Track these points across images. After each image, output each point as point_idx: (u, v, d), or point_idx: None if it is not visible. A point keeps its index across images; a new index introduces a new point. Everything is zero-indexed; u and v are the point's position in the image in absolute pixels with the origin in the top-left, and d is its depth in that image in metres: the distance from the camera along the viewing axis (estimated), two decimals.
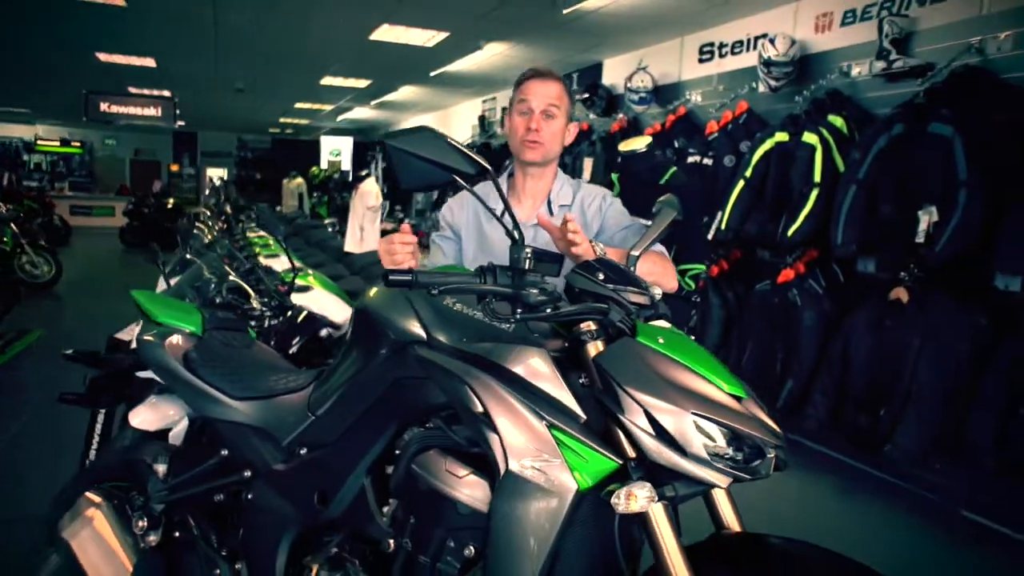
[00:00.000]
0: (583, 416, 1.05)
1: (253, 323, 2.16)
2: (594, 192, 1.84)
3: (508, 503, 1.02)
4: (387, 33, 5.73)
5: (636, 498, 0.99)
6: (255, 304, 2.28)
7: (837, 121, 3.71)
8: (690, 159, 4.61)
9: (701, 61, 5.24)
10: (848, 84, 3.91)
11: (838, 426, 3.46)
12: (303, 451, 1.32)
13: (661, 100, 5.55)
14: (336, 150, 14.17)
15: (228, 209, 6.63)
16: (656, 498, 0.99)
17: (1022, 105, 3.00)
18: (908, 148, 3.18)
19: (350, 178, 13.96)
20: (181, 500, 1.42)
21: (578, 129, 1.93)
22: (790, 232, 3.67)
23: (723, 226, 4.06)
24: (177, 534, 1.41)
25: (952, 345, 3.03)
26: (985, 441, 2.89)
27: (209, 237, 3.93)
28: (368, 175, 6.45)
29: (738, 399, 1.06)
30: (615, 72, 6.36)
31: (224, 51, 7.18)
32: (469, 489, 1.09)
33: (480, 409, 1.08)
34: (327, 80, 8.40)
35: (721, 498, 1.15)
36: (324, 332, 2.36)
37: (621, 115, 5.92)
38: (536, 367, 1.08)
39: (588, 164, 5.82)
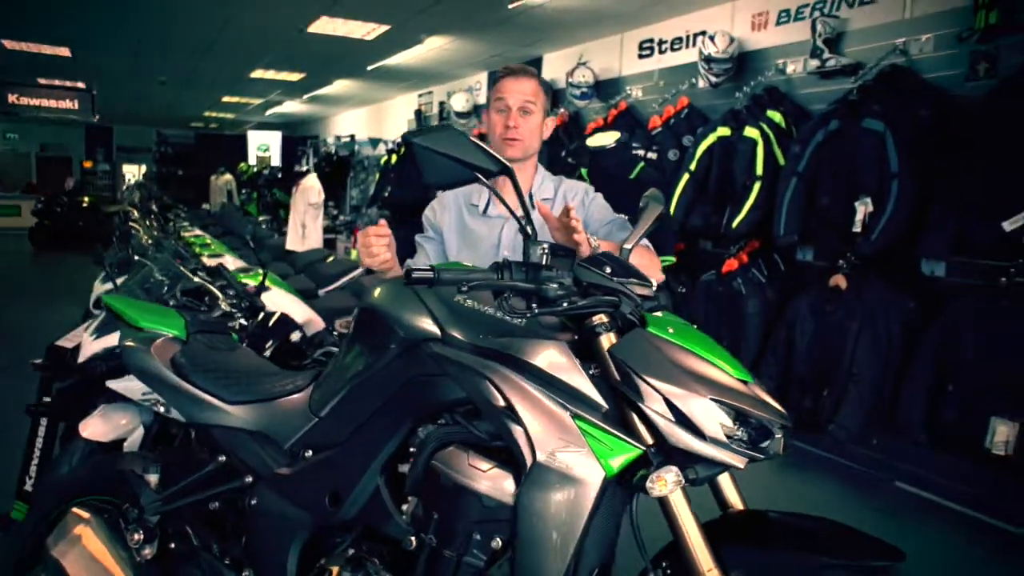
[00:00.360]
0: (604, 405, 1.09)
1: None
2: (576, 187, 1.87)
3: (537, 493, 1.05)
4: (325, 26, 5.61)
5: (666, 482, 1.03)
6: (224, 306, 2.21)
7: (776, 116, 3.88)
8: (634, 153, 4.72)
9: (641, 57, 5.37)
10: (784, 81, 4.09)
11: (784, 408, 3.64)
12: (308, 453, 1.30)
13: (602, 95, 5.65)
14: (264, 145, 13.73)
15: (154, 207, 6.35)
16: (683, 481, 1.04)
17: (943, 102, 3.23)
18: (844, 142, 3.37)
19: (279, 174, 13.60)
20: (177, 510, 1.37)
21: (555, 123, 1.96)
22: (735, 223, 3.82)
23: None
24: (173, 546, 1.37)
25: (886, 328, 3.23)
26: (916, 417, 3.10)
27: (146, 238, 3.77)
28: (309, 171, 6.30)
29: (744, 383, 1.11)
30: (555, 67, 6.43)
31: (148, 41, 6.86)
32: (494, 482, 1.11)
33: (502, 403, 1.10)
34: (258, 73, 8.14)
35: (725, 480, 1.20)
36: (296, 335, 2.31)
37: (562, 109, 5.99)
38: (556, 359, 1.11)
39: None
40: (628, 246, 1.38)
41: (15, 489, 2.80)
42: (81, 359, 2.56)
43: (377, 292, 1.32)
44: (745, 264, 3.98)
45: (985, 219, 2.87)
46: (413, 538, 1.16)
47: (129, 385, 2.47)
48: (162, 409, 2.52)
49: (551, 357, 1.11)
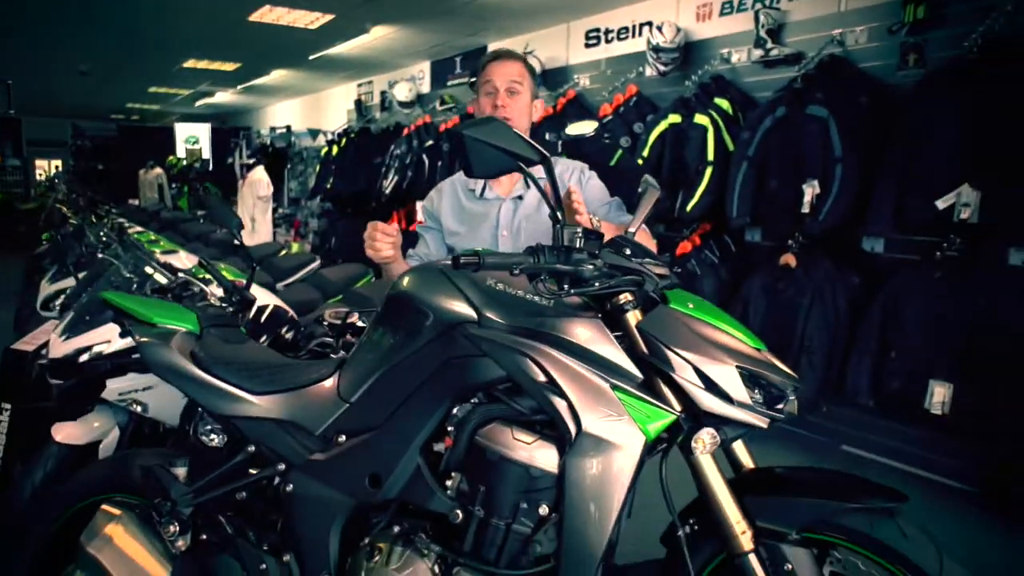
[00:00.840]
0: (639, 376, 1.18)
1: None
2: (572, 166, 1.94)
3: (584, 460, 1.13)
4: (268, 14, 5.48)
5: (705, 443, 1.13)
6: (213, 301, 2.18)
7: (723, 104, 4.06)
8: (606, 141, 4.83)
9: (588, 46, 5.48)
10: (729, 70, 4.27)
11: None
12: (341, 439, 1.34)
13: (549, 84, 5.74)
14: (193, 137, 13.24)
15: (81, 203, 6.07)
16: (719, 441, 1.14)
17: (879, 90, 3.46)
18: (790, 128, 3.56)
19: (211, 167, 13.15)
20: (208, 501, 1.39)
21: (544, 107, 2.02)
22: (689, 207, 3.99)
23: None
24: (204, 537, 1.38)
25: (833, 303, 3.46)
26: (863, 384, 3.34)
27: (98, 234, 3.62)
28: (257, 163, 6.15)
29: (759, 351, 1.22)
30: None
31: (70, 28, 6.51)
32: (539, 453, 1.18)
33: (543, 378, 1.17)
34: (191, 63, 7.85)
35: (737, 442, 1.31)
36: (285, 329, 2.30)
37: None
38: (593, 334, 1.19)
39: None
40: (632, 229, 1.47)
41: None
42: (52, 358, 2.48)
43: (408, 280, 1.36)
44: (698, 246, 4.16)
45: (921, 198, 3.10)
46: (459, 511, 1.22)
47: (107, 387, 2.42)
48: (139, 409, 2.48)
49: (588, 333, 1.19)
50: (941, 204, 3.03)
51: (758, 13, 4.00)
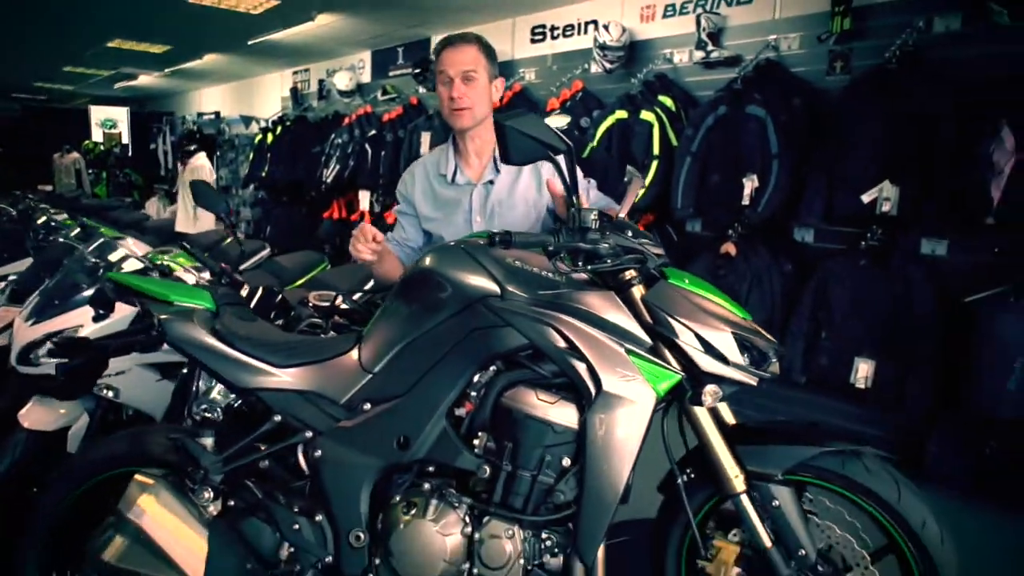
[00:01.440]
0: (649, 341, 1.33)
1: None
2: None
3: (603, 416, 1.28)
4: None
5: (713, 396, 1.30)
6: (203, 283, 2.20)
7: (667, 101, 4.30)
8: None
9: (534, 41, 5.63)
10: (671, 69, 4.52)
11: None
12: (367, 406, 1.43)
13: None
14: (110, 121, 12.60)
15: None
16: (720, 396, 1.31)
17: (811, 93, 3.77)
18: (731, 126, 3.82)
19: (130, 153, 12.55)
20: (237, 469, 1.45)
21: (504, 83, 2.07)
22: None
23: None
24: (232, 503, 1.45)
25: (770, 288, 3.76)
26: (797, 363, 3.65)
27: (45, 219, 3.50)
28: (197, 149, 5.98)
29: (745, 320, 1.40)
30: None
31: None
32: (561, 411, 1.32)
33: (564, 345, 1.31)
34: (117, 43, 7.50)
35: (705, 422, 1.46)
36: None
37: None
38: (607, 305, 1.34)
39: (426, 138, 5.96)
40: (622, 215, 1.63)
41: None
42: (20, 344, 2.45)
43: (431, 259, 1.47)
44: None
45: (848, 193, 3.42)
46: (487, 467, 1.35)
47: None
48: (111, 394, 2.48)
49: (602, 304, 1.34)
50: (866, 198, 3.35)
51: (699, 17, 4.25)
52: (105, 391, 2.51)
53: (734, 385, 1.34)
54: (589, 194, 1.96)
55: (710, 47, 4.21)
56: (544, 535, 1.36)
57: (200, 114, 10.69)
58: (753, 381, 1.33)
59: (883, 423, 3.46)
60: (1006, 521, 2.97)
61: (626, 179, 1.77)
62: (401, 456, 1.38)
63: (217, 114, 10.50)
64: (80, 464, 1.61)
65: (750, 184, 3.71)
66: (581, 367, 1.30)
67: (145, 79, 10.46)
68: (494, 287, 1.38)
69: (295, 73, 8.80)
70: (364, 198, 6.77)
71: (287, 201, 8.22)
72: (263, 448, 1.47)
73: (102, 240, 2.74)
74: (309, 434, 1.45)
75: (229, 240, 4.97)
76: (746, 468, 1.35)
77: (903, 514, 1.30)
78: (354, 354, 1.50)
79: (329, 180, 6.95)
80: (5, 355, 2.90)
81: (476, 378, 1.40)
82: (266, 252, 4.58)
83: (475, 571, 1.32)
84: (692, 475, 1.42)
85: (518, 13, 5.68)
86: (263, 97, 9.59)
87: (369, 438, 1.41)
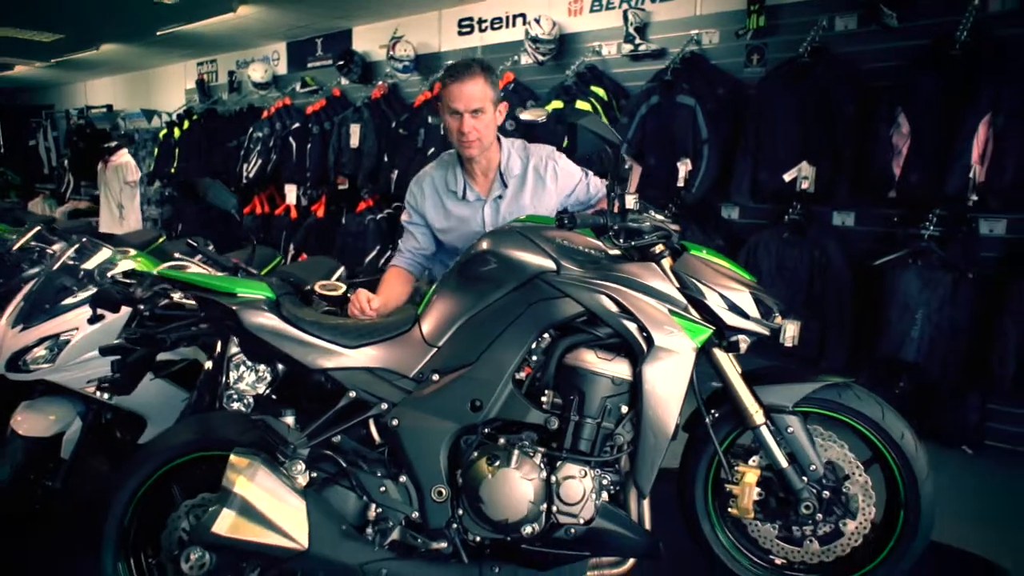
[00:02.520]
0: (685, 302, 1.58)
1: None
2: (543, 155, 2.20)
3: (656, 366, 1.52)
4: None
5: (744, 345, 1.57)
6: None
7: (599, 91, 4.59)
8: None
9: (461, 34, 5.77)
10: (600, 61, 4.82)
11: None
12: (435, 377, 1.60)
13: (423, 69, 5.97)
14: None
15: None
16: (749, 344, 1.59)
17: (732, 83, 4.17)
18: (663, 114, 4.16)
19: (3, 151, 11.58)
20: (319, 443, 1.58)
21: (508, 107, 2.26)
22: None
23: None
24: (315, 474, 1.57)
25: None
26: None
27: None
28: (120, 146, 5.70)
29: (755, 282, 1.69)
30: (366, 39, 6.56)
31: None
32: (618, 366, 1.55)
33: (616, 309, 1.54)
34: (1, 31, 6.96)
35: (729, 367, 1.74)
36: None
37: (381, 82, 6.19)
38: (649, 273, 1.58)
39: (356, 130, 5.98)
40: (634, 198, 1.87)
41: None
42: (6, 355, 2.41)
43: (489, 242, 1.65)
44: None
45: (771, 173, 3.84)
46: (555, 420, 1.56)
47: (71, 375, 2.43)
48: (106, 396, 2.51)
49: (645, 272, 1.58)
50: (787, 177, 3.78)
51: (626, 12, 4.56)
52: (99, 393, 2.51)
53: (753, 335, 1.62)
54: (591, 181, 2.20)
55: (637, 40, 4.54)
56: (603, 477, 1.59)
57: (89, 107, 10.04)
58: (767, 332, 1.62)
59: None
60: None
61: (627, 166, 2.01)
62: (475, 417, 1.57)
63: (109, 107, 9.90)
64: (151, 452, 1.68)
65: (684, 167, 4.07)
66: (633, 327, 1.53)
67: (23, 70, 9.68)
68: (551, 264, 1.58)
69: (200, 64, 8.47)
70: (291, 192, 6.70)
71: (200, 198, 7.93)
72: (345, 422, 1.60)
73: (79, 245, 2.70)
74: (384, 406, 1.60)
75: (162, 239, 4.86)
76: (763, 403, 1.64)
77: (887, 429, 1.63)
78: (415, 332, 1.66)
79: (251, 175, 6.81)
80: None
81: (534, 345, 1.60)
82: (210, 250, 4.53)
83: (554, 509, 1.53)
84: (716, 415, 1.69)
85: (444, 6, 5.80)
86: (163, 89, 9.15)
87: (443, 404, 1.58)
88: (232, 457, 1.50)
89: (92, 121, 9.61)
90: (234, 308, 1.61)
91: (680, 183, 4.09)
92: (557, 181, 2.18)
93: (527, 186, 2.17)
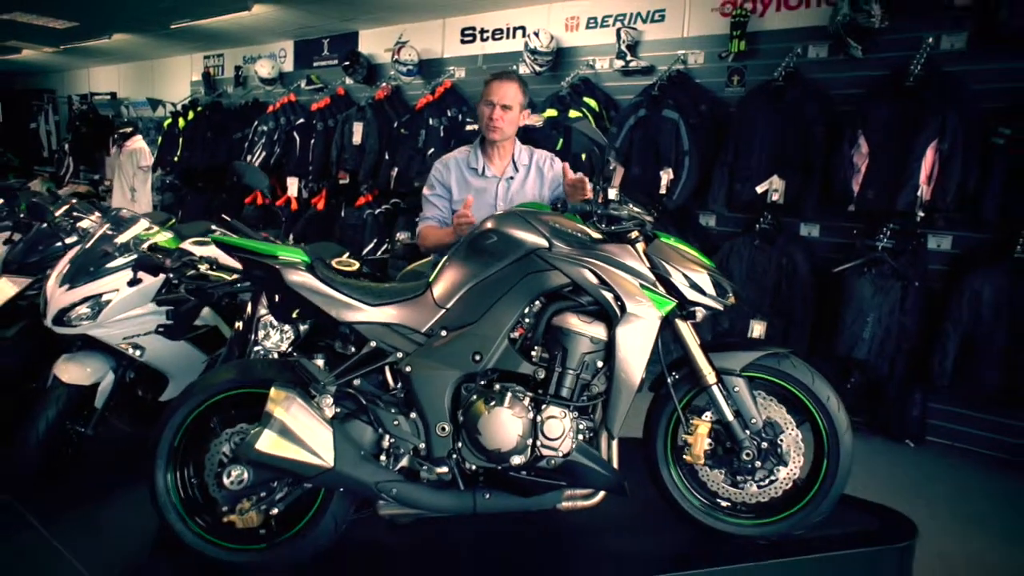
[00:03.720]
0: (653, 278, 1.91)
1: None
2: (544, 156, 2.70)
3: (629, 329, 1.84)
4: None
5: (700, 314, 1.90)
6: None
7: (591, 102, 4.94)
8: (468, 127, 5.49)
9: (464, 42, 6.10)
10: (593, 75, 5.17)
11: None
12: (443, 332, 1.91)
13: (426, 73, 6.29)
14: None
15: None
16: (704, 315, 1.92)
17: (714, 101, 4.53)
18: (649, 126, 4.51)
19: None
20: (343, 383, 1.88)
21: (530, 113, 2.72)
22: None
23: None
24: (338, 410, 1.87)
25: None
26: (705, 326, 4.38)
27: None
28: (135, 132, 5.95)
29: (713, 266, 2.02)
30: (371, 43, 6.86)
31: None
32: (596, 329, 1.87)
33: (596, 281, 1.86)
34: (14, 16, 7.17)
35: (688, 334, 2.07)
36: None
37: (385, 84, 6.51)
38: (625, 254, 1.90)
39: (359, 128, 6.28)
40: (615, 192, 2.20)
41: None
42: (54, 311, 2.69)
43: (495, 222, 1.97)
44: None
45: (745, 184, 4.19)
46: (542, 371, 1.88)
47: (109, 332, 2.72)
48: (137, 353, 2.80)
49: (622, 252, 1.91)
50: (759, 189, 4.14)
51: (619, 31, 4.92)
52: (131, 350, 2.79)
53: (709, 310, 1.95)
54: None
55: (629, 57, 4.89)
56: (579, 421, 1.90)
57: (92, 94, 10.25)
58: (721, 307, 1.95)
59: None
60: (863, 439, 3.87)
61: (611, 167, 2.35)
62: (475, 367, 1.88)
63: (113, 95, 10.12)
64: (200, 387, 1.97)
65: (666, 176, 4.42)
66: (609, 296, 1.85)
67: (30, 55, 9.88)
68: (544, 242, 1.91)
69: (207, 58, 8.73)
70: (292, 184, 6.97)
71: (202, 186, 8.19)
72: (367, 366, 1.91)
73: (116, 215, 2.99)
74: (399, 355, 1.90)
75: (172, 221, 5.13)
76: (715, 367, 1.96)
77: (815, 392, 1.96)
78: (427, 295, 1.97)
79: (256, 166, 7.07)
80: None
81: (527, 309, 1.92)
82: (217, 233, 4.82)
83: (538, 443, 1.84)
84: (676, 376, 2.01)
85: (448, 15, 6.13)
86: (169, 80, 9.39)
87: (450, 355, 1.89)
88: (272, 390, 1.79)
89: (95, 107, 9.82)
90: (277, 267, 1.91)
91: (662, 191, 4.44)
92: (553, 171, 2.68)
93: (531, 175, 2.68)
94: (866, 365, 3.79)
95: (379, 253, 5.54)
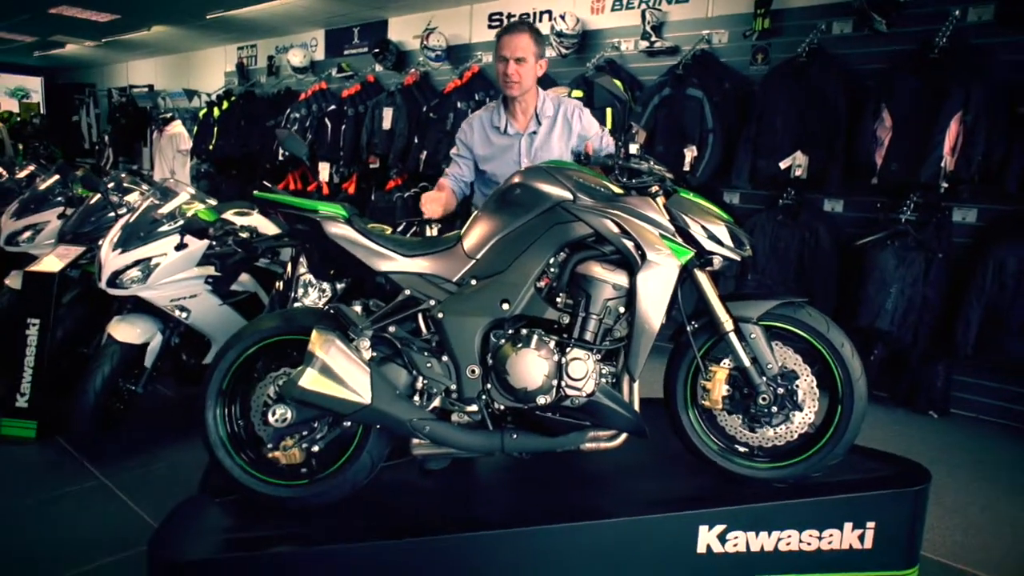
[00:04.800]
0: (672, 228, 2.00)
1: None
2: (572, 105, 2.68)
3: (649, 275, 1.93)
4: None
5: (717, 262, 1.99)
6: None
7: (617, 83, 5.00)
8: None
9: (491, 27, 6.21)
10: (619, 56, 5.25)
11: None
12: (473, 282, 2.02)
13: (454, 59, 6.42)
14: (21, 90, 12.12)
15: None
16: (721, 263, 2.00)
17: (738, 79, 4.58)
18: (674, 104, 4.58)
19: (38, 122, 12.13)
20: (379, 328, 2.00)
21: (547, 63, 2.70)
22: None
23: None
24: (375, 353, 1.99)
25: None
26: None
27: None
28: (174, 117, 6.18)
29: (730, 220, 2.10)
30: (400, 29, 7.00)
31: None
32: (618, 276, 1.96)
33: (618, 231, 1.96)
34: (59, 10, 7.46)
35: (706, 283, 2.15)
36: None
37: (413, 69, 6.64)
38: (646, 205, 1.99)
39: (388, 113, 6.43)
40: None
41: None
42: (107, 273, 2.86)
43: (522, 176, 2.07)
44: None
45: (768, 160, 4.24)
46: (566, 316, 1.98)
47: (158, 293, 2.88)
48: (184, 316, 2.96)
49: (643, 204, 2.00)
50: (783, 165, 4.19)
51: (644, 12, 4.99)
52: (178, 312, 2.96)
53: (726, 260, 2.04)
54: (604, 136, 2.63)
55: (653, 38, 4.96)
56: (602, 366, 2.00)
57: (131, 86, 10.56)
58: (738, 257, 2.03)
59: None
60: (886, 410, 3.91)
61: (633, 131, 2.43)
62: (504, 313, 1.98)
63: (150, 87, 10.42)
64: (247, 333, 2.11)
65: (690, 153, 4.49)
66: (631, 245, 1.95)
67: (72, 49, 10.22)
68: (569, 195, 2.00)
69: (240, 48, 8.96)
70: (324, 170, 7.14)
71: (236, 174, 8.42)
72: (402, 312, 2.03)
73: (163, 186, 3.16)
74: (432, 302, 2.02)
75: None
76: (733, 315, 2.05)
77: (830, 340, 2.03)
78: (458, 247, 2.08)
79: (286, 152, 7.26)
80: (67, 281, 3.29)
81: (552, 259, 2.02)
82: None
83: (563, 384, 1.94)
84: (695, 325, 2.10)
85: (476, 1, 6.24)
86: (204, 71, 9.65)
87: (480, 302, 2.00)
88: (314, 333, 1.92)
89: (134, 99, 10.12)
90: (318, 219, 2.04)
91: (686, 168, 4.50)
92: (581, 126, 2.65)
93: (557, 127, 2.64)
94: (889, 336, 3.83)
95: (408, 235, 5.68)
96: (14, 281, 3.54)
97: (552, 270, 2.03)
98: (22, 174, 4.80)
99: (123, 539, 2.34)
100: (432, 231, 2.58)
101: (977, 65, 3.56)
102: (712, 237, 2.01)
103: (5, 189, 4.47)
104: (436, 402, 2.01)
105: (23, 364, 3.05)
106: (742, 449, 2.14)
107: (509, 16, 6.07)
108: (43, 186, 4.11)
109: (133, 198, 3.55)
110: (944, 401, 3.90)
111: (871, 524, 2.02)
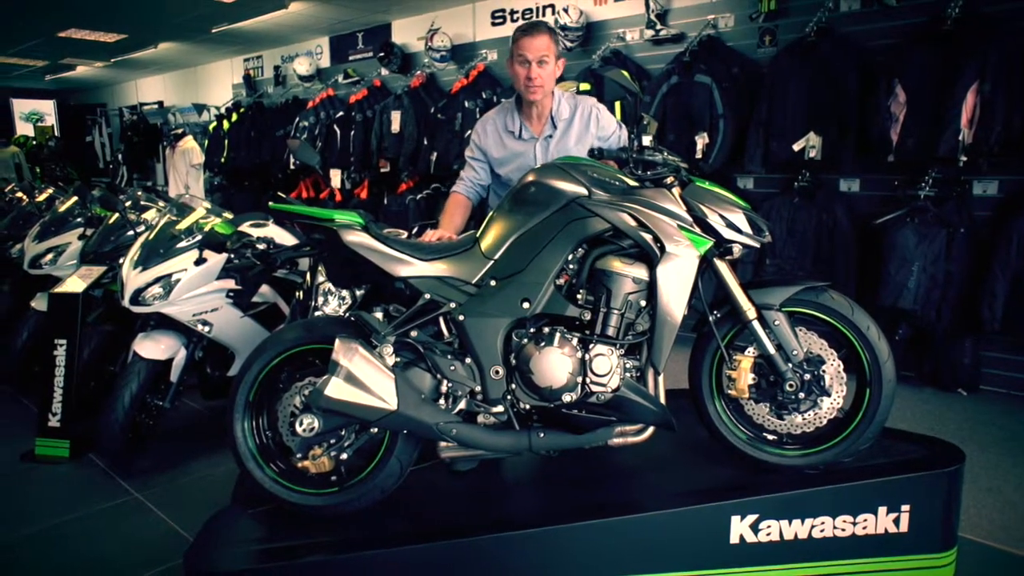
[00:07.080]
0: (690, 219, 1.99)
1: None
2: (588, 104, 2.62)
3: (669, 267, 1.92)
4: None
5: (737, 251, 1.97)
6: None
7: (623, 73, 4.97)
8: None
9: (494, 24, 6.20)
10: (624, 47, 5.21)
11: None
12: (493, 282, 2.02)
13: (458, 58, 6.41)
14: (35, 114, 12.28)
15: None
16: (741, 252, 1.99)
17: (746, 63, 4.54)
18: (683, 92, 4.55)
19: (53, 145, 12.30)
20: (401, 333, 2.01)
21: (564, 63, 2.66)
22: None
23: None
24: (398, 359, 2.00)
25: None
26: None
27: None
28: (186, 132, 6.24)
29: (747, 207, 2.08)
30: (404, 32, 7.01)
31: None
32: (638, 270, 1.95)
33: (636, 224, 1.95)
34: (67, 33, 7.55)
35: (727, 272, 2.14)
36: None
37: (419, 71, 6.65)
38: (663, 197, 1.98)
39: (396, 116, 6.44)
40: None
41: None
42: (130, 291, 2.89)
43: (536, 174, 2.06)
44: None
45: (781, 143, 4.20)
46: (588, 313, 1.98)
47: (180, 309, 2.90)
48: (206, 330, 2.98)
49: (659, 196, 1.98)
50: (796, 147, 4.14)
51: (648, 1, 4.95)
52: (200, 326, 2.99)
53: (746, 248, 2.02)
54: (622, 134, 2.61)
55: (658, 26, 4.92)
56: (626, 360, 1.99)
57: (141, 104, 10.67)
58: (757, 244, 2.01)
59: None
60: (914, 390, 3.86)
61: (644, 123, 2.42)
62: (525, 312, 1.98)
63: (160, 103, 10.52)
64: (271, 344, 2.12)
65: (701, 141, 4.45)
66: (649, 238, 1.93)
67: (83, 71, 10.34)
68: (584, 191, 2.00)
69: (246, 60, 9.01)
70: (335, 176, 7.18)
71: (248, 186, 8.49)
72: (422, 317, 2.03)
73: (179, 202, 3.19)
74: (452, 305, 2.02)
75: (226, 215, 5.38)
76: (755, 302, 2.03)
77: (855, 323, 2.01)
78: (475, 249, 2.08)
79: (298, 161, 7.30)
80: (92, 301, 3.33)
81: (570, 256, 2.02)
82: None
83: (588, 380, 1.94)
84: (718, 315, 2.09)
85: None
86: (212, 85, 9.72)
87: (500, 302, 2.00)
88: (337, 341, 1.93)
89: (145, 117, 10.23)
90: (335, 228, 2.05)
91: (698, 155, 4.47)
92: (598, 127, 2.60)
93: (573, 128, 2.59)
94: (913, 315, 3.78)
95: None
96: (40, 303, 3.60)
97: (571, 267, 2.02)
98: (41, 197, 4.87)
99: (160, 553, 2.37)
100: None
101: (992, 33, 3.50)
102: (730, 225, 1.99)
103: (26, 213, 4.55)
104: (461, 404, 2.01)
105: (53, 384, 3.10)
106: (771, 437, 2.13)
107: (512, 12, 6.06)
108: (62, 208, 4.17)
109: (150, 215, 3.60)
110: (973, 378, 3.85)
111: (906, 507, 2.00)
